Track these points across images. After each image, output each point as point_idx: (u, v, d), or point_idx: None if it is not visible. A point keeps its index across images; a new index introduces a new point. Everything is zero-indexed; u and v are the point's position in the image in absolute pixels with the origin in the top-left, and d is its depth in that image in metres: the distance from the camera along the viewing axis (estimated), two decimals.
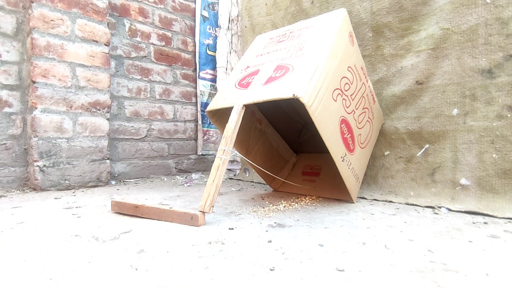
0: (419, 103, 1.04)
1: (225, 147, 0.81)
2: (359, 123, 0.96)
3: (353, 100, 0.92)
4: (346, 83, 0.89)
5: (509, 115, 0.87)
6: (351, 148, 0.93)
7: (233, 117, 0.84)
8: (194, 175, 1.78)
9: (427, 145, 1.02)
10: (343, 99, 0.88)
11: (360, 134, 0.96)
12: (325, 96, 0.81)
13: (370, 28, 1.15)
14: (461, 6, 0.94)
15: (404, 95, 1.07)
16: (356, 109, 0.94)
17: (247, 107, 1.18)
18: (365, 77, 0.99)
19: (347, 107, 0.90)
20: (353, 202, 0.99)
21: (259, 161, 1.16)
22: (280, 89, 0.80)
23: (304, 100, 0.75)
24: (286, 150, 1.31)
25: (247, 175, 1.61)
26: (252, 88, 0.88)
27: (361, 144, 0.98)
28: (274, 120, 1.24)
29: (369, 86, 1.01)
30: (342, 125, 0.88)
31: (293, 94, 0.75)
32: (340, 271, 0.50)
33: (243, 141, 1.12)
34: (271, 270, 0.50)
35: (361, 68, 0.97)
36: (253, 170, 1.40)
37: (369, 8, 1.14)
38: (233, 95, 0.92)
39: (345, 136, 0.89)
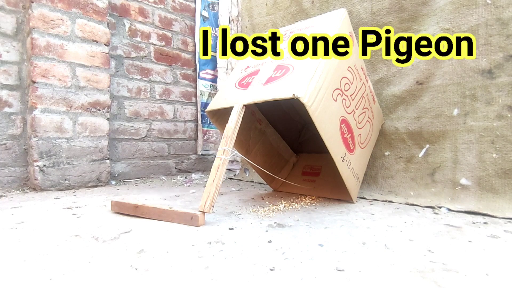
0: (419, 103, 1.04)
1: (225, 147, 0.81)
2: (359, 123, 0.96)
3: (353, 100, 0.92)
4: (346, 83, 0.89)
5: (509, 115, 0.87)
6: (351, 148, 0.92)
7: (233, 117, 0.84)
8: (194, 175, 1.78)
9: (427, 146, 1.02)
10: (343, 99, 0.88)
11: (360, 134, 0.96)
12: (325, 96, 0.81)
13: None
14: (461, 7, 0.94)
15: (404, 95, 1.07)
16: (356, 109, 0.94)
17: (247, 107, 1.18)
18: (365, 77, 0.98)
19: (347, 107, 0.90)
20: (353, 202, 0.99)
21: (259, 161, 1.16)
22: (280, 89, 0.80)
23: (304, 100, 0.75)
24: (286, 150, 1.31)
25: (247, 175, 1.61)
26: (252, 88, 0.88)
27: (361, 144, 0.98)
28: (274, 120, 1.25)
29: (369, 86, 1.01)
30: (342, 125, 0.88)
31: (293, 94, 0.75)
32: (340, 271, 0.50)
33: (243, 141, 1.12)
34: (271, 270, 0.50)
35: (361, 68, 0.97)
36: (253, 170, 1.40)
37: (369, 8, 1.14)
38: (233, 95, 0.92)
39: (345, 136, 0.89)
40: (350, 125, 0.91)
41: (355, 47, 0.95)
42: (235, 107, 0.86)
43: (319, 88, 0.78)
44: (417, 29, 1.04)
